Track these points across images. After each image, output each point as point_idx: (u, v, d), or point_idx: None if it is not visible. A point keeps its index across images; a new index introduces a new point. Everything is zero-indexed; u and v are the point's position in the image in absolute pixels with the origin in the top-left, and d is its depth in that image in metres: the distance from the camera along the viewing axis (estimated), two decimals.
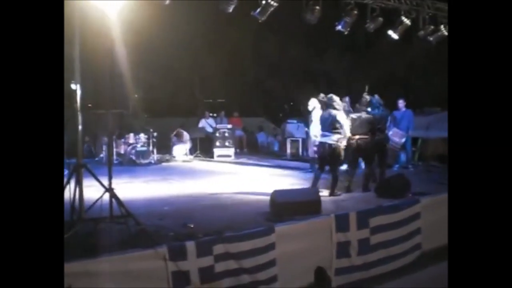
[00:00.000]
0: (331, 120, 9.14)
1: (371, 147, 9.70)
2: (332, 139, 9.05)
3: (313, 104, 11.44)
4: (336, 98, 9.45)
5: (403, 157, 12.55)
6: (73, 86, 6.14)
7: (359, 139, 9.51)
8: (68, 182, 6.13)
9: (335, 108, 9.25)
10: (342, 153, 9.17)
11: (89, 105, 6.11)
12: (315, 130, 11.31)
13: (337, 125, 9.05)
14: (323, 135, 9.33)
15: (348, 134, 9.22)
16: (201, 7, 12.20)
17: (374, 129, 9.72)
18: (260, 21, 10.57)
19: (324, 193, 8.59)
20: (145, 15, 10.45)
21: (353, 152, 9.59)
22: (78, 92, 6.13)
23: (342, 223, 6.85)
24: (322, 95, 10.45)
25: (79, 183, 6.20)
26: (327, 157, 9.19)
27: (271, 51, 17.24)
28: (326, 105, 9.54)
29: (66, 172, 8.91)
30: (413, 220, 7.78)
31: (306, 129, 12.11)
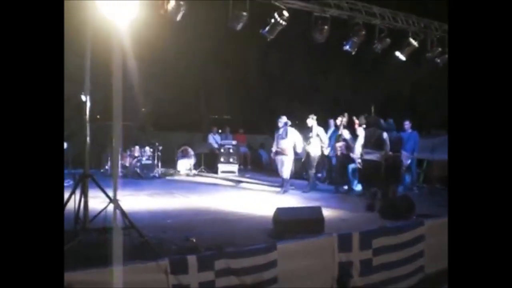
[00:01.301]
0: (376, 138, 9.70)
1: (400, 166, 10.43)
2: (377, 156, 9.62)
3: (283, 121, 11.89)
4: (379, 118, 10.16)
5: (408, 178, 12.53)
6: (83, 98, 6.22)
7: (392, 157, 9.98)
8: (74, 192, 6.18)
9: (380, 127, 9.87)
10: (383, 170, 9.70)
11: (98, 116, 6.18)
12: (286, 145, 11.68)
13: (381, 144, 9.64)
14: (367, 153, 9.80)
15: (389, 152, 9.76)
16: (210, 24, 12.31)
17: (401, 148, 10.46)
18: (268, 39, 10.70)
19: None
20: (155, 29, 10.56)
21: (388, 170, 9.92)
22: (88, 104, 6.22)
23: (344, 243, 6.83)
24: (366, 114, 11.01)
25: (84, 193, 6.24)
26: (371, 174, 9.84)
27: (276, 69, 17.32)
28: (371, 124, 10.19)
29: (71, 182, 9.01)
30: (416, 243, 7.75)
31: (278, 148, 12.01)
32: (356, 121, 12.05)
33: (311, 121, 12.12)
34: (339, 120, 12.11)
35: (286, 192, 11.66)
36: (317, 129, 12.14)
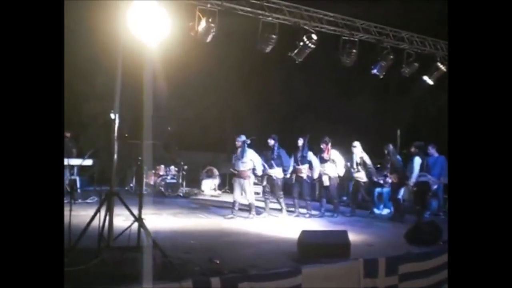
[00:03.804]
0: (427, 163, 11.05)
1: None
2: (429, 178, 11.00)
3: (242, 140, 10.99)
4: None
5: (434, 204, 12.33)
6: (112, 116, 6.28)
7: None
8: (99, 209, 6.19)
9: (426, 154, 11.32)
10: None
11: (126, 135, 6.26)
12: (244, 167, 10.87)
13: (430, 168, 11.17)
14: (422, 175, 10.96)
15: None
16: (239, 45, 12.40)
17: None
18: (297, 62, 10.75)
19: None
20: (183, 50, 10.66)
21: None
22: (117, 122, 6.27)
23: (370, 268, 6.71)
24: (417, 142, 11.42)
25: (110, 212, 6.26)
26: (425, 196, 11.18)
27: (303, 91, 17.34)
28: (420, 150, 11.19)
29: (96, 199, 9.08)
30: (443, 269, 7.57)
31: (234, 170, 11.14)
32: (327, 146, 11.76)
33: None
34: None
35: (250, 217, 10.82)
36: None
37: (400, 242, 8.52)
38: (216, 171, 15.91)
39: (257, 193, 15.27)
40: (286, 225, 10.20)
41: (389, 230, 9.77)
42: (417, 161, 11.11)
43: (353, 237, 8.11)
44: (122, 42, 6.38)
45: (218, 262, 6.36)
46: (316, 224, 10.50)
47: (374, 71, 12.37)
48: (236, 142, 11.02)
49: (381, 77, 12.48)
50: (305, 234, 7.30)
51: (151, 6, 6.52)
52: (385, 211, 12.45)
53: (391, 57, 12.17)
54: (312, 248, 7.00)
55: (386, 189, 12.39)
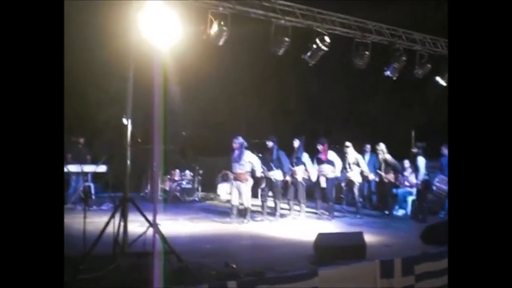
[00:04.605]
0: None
1: None
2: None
3: (239, 142, 10.68)
4: None
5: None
6: (124, 121, 6.30)
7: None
8: (113, 215, 6.21)
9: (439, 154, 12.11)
10: None
11: (139, 140, 6.28)
12: (242, 170, 10.58)
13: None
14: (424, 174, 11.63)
15: None
16: (252, 48, 12.40)
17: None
18: (310, 64, 10.74)
19: None
20: (196, 54, 10.68)
21: None
22: (129, 127, 6.29)
23: (387, 269, 6.66)
24: (419, 143, 12.14)
25: (124, 217, 6.27)
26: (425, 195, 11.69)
27: (316, 93, 17.31)
28: (422, 150, 11.77)
29: (111, 205, 9.10)
30: None
31: (233, 173, 10.84)
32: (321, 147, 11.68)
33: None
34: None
35: (246, 222, 10.46)
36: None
37: (417, 243, 8.48)
38: (231, 175, 15.87)
39: (272, 196, 15.30)
40: (299, 227, 10.19)
41: (406, 230, 9.69)
42: (421, 160, 11.54)
43: (369, 238, 8.08)
44: (134, 46, 6.41)
45: (234, 266, 6.35)
46: (332, 226, 10.46)
47: (387, 72, 12.34)
48: (233, 144, 10.71)
49: (394, 78, 12.44)
50: (321, 236, 7.29)
51: (163, 10, 6.55)
52: (400, 212, 12.37)
53: (404, 58, 12.14)
54: (329, 250, 6.98)
55: (400, 190, 12.31)
